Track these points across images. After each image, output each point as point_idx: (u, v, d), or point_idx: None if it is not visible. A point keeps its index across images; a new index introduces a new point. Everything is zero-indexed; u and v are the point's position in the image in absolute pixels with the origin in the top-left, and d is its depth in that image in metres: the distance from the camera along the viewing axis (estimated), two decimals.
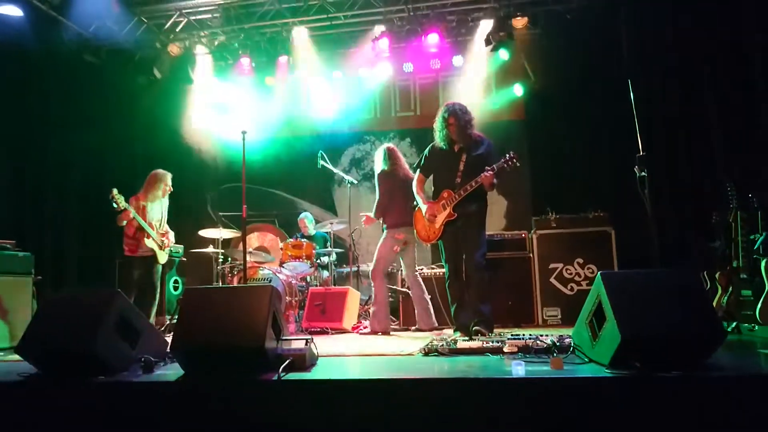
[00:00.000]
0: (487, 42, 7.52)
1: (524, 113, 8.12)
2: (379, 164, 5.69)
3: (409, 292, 5.79)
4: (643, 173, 4.13)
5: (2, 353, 4.55)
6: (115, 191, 5.34)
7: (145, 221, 5.51)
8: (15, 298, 5.16)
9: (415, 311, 5.63)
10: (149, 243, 5.54)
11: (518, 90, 7.98)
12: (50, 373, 3.04)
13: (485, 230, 4.71)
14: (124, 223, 5.48)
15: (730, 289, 4.63)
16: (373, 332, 5.37)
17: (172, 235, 5.88)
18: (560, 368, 2.71)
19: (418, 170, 5.01)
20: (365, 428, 2.54)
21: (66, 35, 7.34)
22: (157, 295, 5.73)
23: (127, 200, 5.42)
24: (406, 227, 5.40)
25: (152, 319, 5.74)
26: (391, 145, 5.85)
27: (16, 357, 3.15)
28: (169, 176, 5.78)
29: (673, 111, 6.70)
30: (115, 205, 5.32)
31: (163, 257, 5.75)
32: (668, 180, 6.55)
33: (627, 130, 4.62)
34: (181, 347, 2.90)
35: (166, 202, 5.83)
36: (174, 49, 7.92)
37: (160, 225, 5.74)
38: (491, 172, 4.47)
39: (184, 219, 8.37)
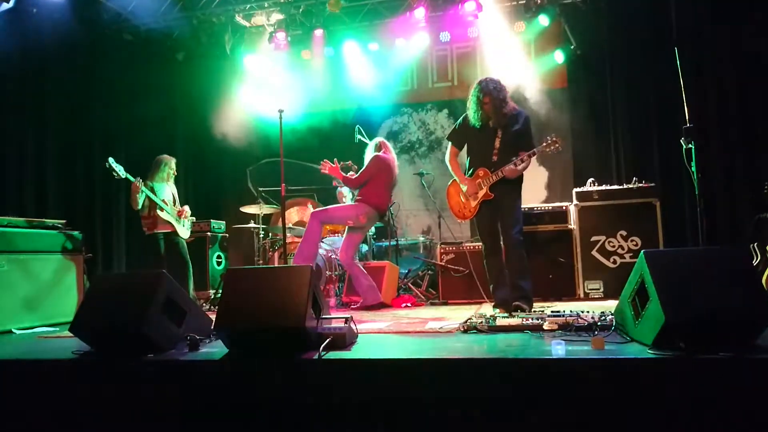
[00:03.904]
0: (527, 7, 7.32)
1: (566, 81, 7.89)
2: (378, 151, 5.68)
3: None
4: (690, 145, 3.98)
5: (57, 329, 4.77)
6: (111, 159, 5.43)
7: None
8: (67, 276, 5.36)
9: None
10: (164, 215, 5.71)
11: (559, 57, 7.75)
12: (102, 350, 3.17)
13: (521, 205, 4.62)
14: (139, 200, 5.59)
15: None
16: (366, 307, 5.34)
17: (187, 208, 6.03)
18: (601, 348, 2.68)
19: (450, 142, 4.89)
20: (405, 407, 2.57)
21: (106, 15, 7.46)
22: (190, 269, 5.91)
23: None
24: (375, 216, 5.54)
25: (191, 293, 5.92)
26: (383, 139, 5.91)
27: (71, 334, 3.28)
28: (173, 161, 5.96)
29: (722, 78, 6.40)
30: (114, 174, 5.43)
31: (183, 232, 5.91)
32: (717, 149, 6.30)
33: (674, 97, 4.46)
34: (224, 328, 2.97)
35: (173, 185, 6.01)
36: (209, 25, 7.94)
37: (174, 205, 5.90)
38: (530, 156, 4.39)
39: (226, 195, 8.56)
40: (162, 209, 5.68)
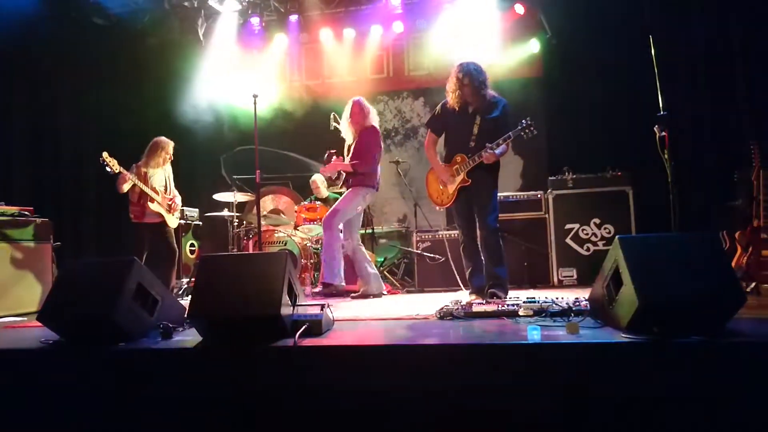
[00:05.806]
0: None
1: (541, 70, 7.91)
2: (368, 117, 5.37)
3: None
4: (663, 134, 4.02)
5: (26, 318, 4.66)
6: (105, 154, 5.30)
7: (148, 187, 5.50)
8: (35, 264, 5.25)
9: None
10: (154, 207, 5.53)
11: (534, 46, 7.78)
12: (71, 339, 3.09)
13: (497, 193, 4.63)
14: (125, 188, 5.44)
15: (750, 249, 4.57)
16: (367, 295, 5.18)
17: (179, 198, 5.89)
18: (576, 332, 2.70)
19: (429, 129, 4.89)
20: (382, 393, 2.56)
21: None
22: (176, 259, 5.77)
23: (128, 168, 5.41)
24: (374, 194, 5.40)
25: (173, 281, 5.81)
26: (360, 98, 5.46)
27: (38, 323, 3.19)
28: (170, 144, 5.74)
29: (696, 67, 6.48)
30: (108, 169, 5.29)
31: (172, 221, 5.76)
32: (689, 137, 6.39)
33: (648, 86, 4.49)
34: (198, 316, 2.92)
35: (169, 169, 5.82)
36: (182, 9, 7.81)
37: (166, 191, 5.73)
38: (505, 141, 4.38)
39: (199, 182, 8.43)
40: (152, 200, 5.49)
